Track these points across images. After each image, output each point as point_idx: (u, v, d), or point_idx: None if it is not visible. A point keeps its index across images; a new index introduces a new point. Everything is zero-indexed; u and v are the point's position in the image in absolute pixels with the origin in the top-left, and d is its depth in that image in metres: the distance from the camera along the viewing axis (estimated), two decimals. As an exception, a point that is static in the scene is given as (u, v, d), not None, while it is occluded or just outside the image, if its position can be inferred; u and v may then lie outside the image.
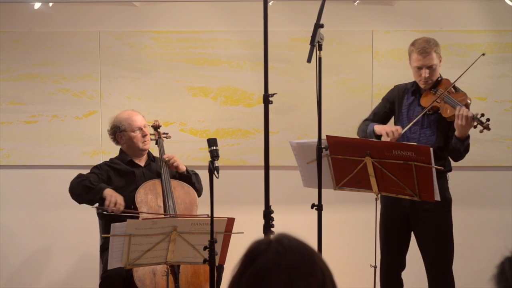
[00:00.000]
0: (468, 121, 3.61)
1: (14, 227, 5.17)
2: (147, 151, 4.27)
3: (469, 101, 3.76)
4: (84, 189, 3.97)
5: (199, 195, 4.21)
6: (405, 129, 3.78)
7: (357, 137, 4.01)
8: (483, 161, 5.03)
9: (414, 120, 3.78)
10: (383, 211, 3.98)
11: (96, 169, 4.16)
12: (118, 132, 4.20)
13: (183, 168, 4.22)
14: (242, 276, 1.42)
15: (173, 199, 4.07)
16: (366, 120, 4.07)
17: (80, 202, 4.10)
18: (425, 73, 3.80)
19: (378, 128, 3.88)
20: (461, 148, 3.72)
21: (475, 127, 3.66)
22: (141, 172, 4.20)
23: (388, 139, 3.74)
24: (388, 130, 3.77)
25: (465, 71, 3.86)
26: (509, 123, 4.99)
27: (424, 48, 3.80)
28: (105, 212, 3.87)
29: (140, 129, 4.18)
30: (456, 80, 3.83)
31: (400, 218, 3.89)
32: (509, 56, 4.97)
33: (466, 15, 4.98)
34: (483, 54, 3.96)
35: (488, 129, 3.61)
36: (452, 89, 3.80)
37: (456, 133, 3.68)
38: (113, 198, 3.90)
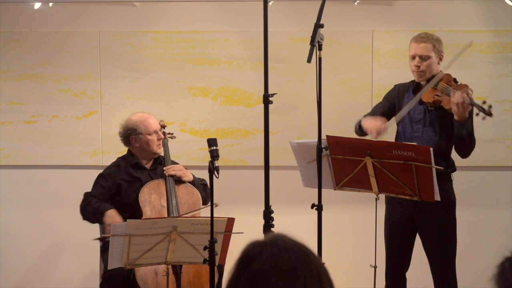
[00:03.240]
0: (464, 102, 3.55)
1: (14, 227, 5.17)
2: (160, 152, 4.24)
3: (470, 91, 3.68)
4: (89, 216, 4.01)
5: (204, 203, 4.20)
6: (398, 120, 3.74)
7: (357, 137, 3.99)
8: (483, 161, 5.02)
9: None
10: (388, 216, 3.97)
11: (104, 179, 4.11)
12: (133, 134, 4.14)
13: (188, 178, 4.18)
14: (238, 280, 1.42)
15: (177, 199, 4.06)
16: (365, 116, 4.04)
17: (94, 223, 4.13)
18: (415, 61, 3.79)
19: (366, 123, 3.82)
20: (464, 133, 3.64)
21: (477, 114, 3.59)
22: (147, 175, 4.20)
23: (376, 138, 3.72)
24: (373, 132, 3.73)
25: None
26: (509, 123, 4.99)
27: (421, 36, 3.80)
28: (107, 240, 3.72)
29: (156, 132, 4.17)
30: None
31: (405, 222, 3.88)
32: (509, 56, 4.98)
33: (466, 15, 4.99)
34: (471, 43, 3.85)
35: (490, 115, 3.51)
36: (453, 82, 3.77)
37: (455, 117, 3.64)
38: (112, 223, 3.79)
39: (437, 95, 3.72)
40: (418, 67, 3.80)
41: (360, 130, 3.91)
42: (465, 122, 3.63)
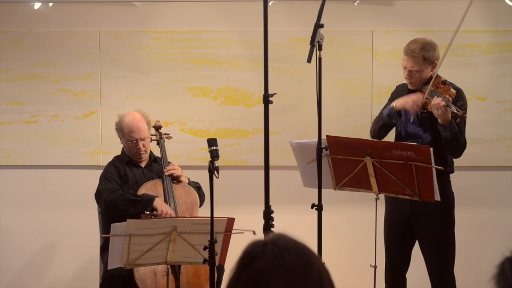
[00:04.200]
0: (442, 108, 3.58)
1: (14, 227, 5.17)
2: (141, 160, 4.24)
3: (452, 91, 3.71)
4: (131, 203, 3.91)
5: (199, 205, 4.20)
6: (426, 93, 3.69)
7: (358, 137, 3.97)
8: (483, 161, 5.02)
9: (431, 84, 3.69)
10: (386, 216, 3.97)
11: (111, 175, 4.11)
12: (119, 133, 4.20)
13: (184, 179, 4.21)
14: (239, 280, 1.42)
15: (174, 199, 4.07)
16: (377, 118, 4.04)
17: (121, 216, 3.92)
18: (407, 74, 3.79)
19: (399, 104, 3.77)
20: (448, 135, 3.65)
21: (455, 116, 3.61)
22: (141, 173, 4.20)
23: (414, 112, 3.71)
24: (410, 104, 3.69)
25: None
26: (509, 123, 4.99)
27: (412, 51, 3.75)
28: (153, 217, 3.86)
29: (136, 141, 4.13)
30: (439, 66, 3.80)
31: (403, 222, 3.88)
32: (509, 56, 4.97)
33: (466, 15, 4.98)
34: None
35: (463, 117, 3.57)
36: (441, 84, 3.77)
37: (438, 120, 3.66)
38: (165, 209, 3.91)
39: (425, 98, 3.72)
40: (409, 78, 3.81)
41: (388, 116, 3.82)
42: (448, 124, 3.64)
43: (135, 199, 3.91)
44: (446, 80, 3.78)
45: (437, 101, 3.61)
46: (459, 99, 3.72)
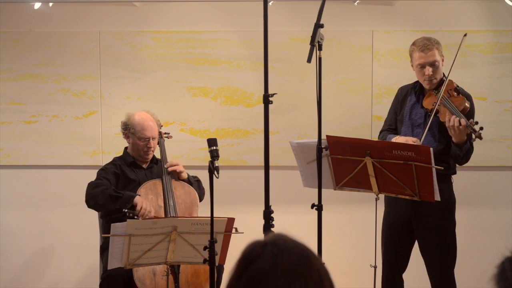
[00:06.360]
0: (461, 130, 3.57)
1: (14, 227, 5.17)
2: (147, 160, 4.25)
3: (467, 105, 3.69)
4: (111, 199, 3.88)
5: (199, 200, 4.21)
6: (422, 139, 3.69)
7: (358, 137, 3.96)
8: (483, 161, 5.02)
9: (427, 128, 3.69)
10: (385, 217, 3.97)
11: (104, 172, 4.12)
12: (127, 131, 4.19)
13: (185, 176, 4.21)
14: (239, 281, 1.41)
15: (174, 199, 4.07)
16: (382, 131, 4.02)
17: (99, 211, 4.08)
18: (428, 70, 3.74)
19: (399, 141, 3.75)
20: (460, 154, 3.67)
21: (471, 135, 3.61)
22: (143, 174, 4.20)
23: None
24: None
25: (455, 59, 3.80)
26: (509, 123, 4.99)
27: (426, 45, 3.75)
28: (135, 218, 3.81)
29: (148, 140, 4.15)
30: (449, 73, 3.78)
31: (402, 223, 3.87)
32: (509, 56, 4.97)
33: (466, 15, 4.99)
34: (465, 35, 3.83)
35: (480, 138, 3.54)
36: (454, 92, 3.75)
37: (453, 139, 3.67)
38: (145, 205, 3.88)
39: (435, 103, 3.71)
40: (431, 75, 3.77)
41: None
42: (463, 145, 3.64)
43: (116, 195, 3.90)
44: (458, 86, 3.76)
45: (454, 122, 3.57)
46: (471, 113, 3.72)
